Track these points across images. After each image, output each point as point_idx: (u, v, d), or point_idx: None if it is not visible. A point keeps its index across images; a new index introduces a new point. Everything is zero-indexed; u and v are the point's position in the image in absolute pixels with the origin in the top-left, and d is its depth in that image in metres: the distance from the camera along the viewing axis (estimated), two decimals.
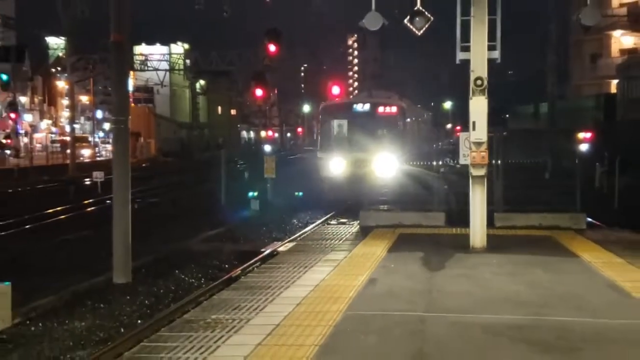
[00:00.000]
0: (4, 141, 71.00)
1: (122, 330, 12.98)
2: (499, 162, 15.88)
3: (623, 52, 55.34)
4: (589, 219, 15.54)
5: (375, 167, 25.88)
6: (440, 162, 27.38)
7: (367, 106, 29.54)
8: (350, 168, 27.34)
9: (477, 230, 12.40)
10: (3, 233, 24.54)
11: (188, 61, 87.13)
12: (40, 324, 13.39)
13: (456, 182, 17.41)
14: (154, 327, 11.91)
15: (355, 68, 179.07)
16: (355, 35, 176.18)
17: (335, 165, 27.95)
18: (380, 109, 29.14)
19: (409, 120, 31.87)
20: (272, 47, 31.76)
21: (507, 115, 63.43)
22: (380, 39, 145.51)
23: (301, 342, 6.84)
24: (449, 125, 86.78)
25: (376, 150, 26.78)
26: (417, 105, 49.02)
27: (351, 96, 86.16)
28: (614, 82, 46.56)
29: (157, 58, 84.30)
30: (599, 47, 58.82)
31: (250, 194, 27.43)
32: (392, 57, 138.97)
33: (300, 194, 30.62)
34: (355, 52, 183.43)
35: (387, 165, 26.18)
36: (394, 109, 29.36)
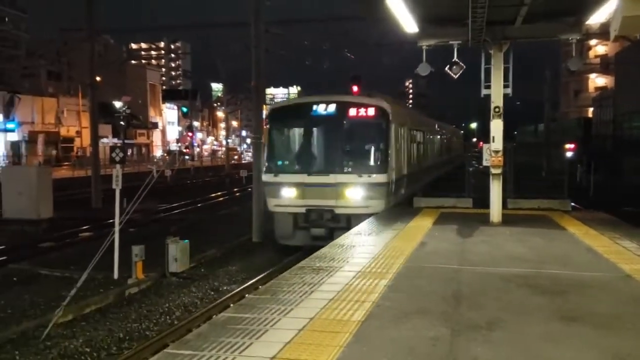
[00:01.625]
0: (184, 150, 73.24)
1: (259, 271, 13.23)
2: (511, 164, 15.49)
3: (597, 88, 53.92)
4: (573, 204, 14.96)
5: (344, 196, 13.65)
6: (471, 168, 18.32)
7: (332, 108, 14.15)
8: (308, 198, 13.82)
9: (495, 210, 12.07)
10: (184, 209, 25.38)
11: None
12: (207, 267, 13.78)
13: (480, 178, 16.54)
14: (278, 270, 12.08)
15: (411, 102, 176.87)
16: (411, 80, 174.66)
17: (287, 194, 13.97)
18: (352, 112, 14.07)
19: (398, 128, 15.14)
20: (354, 88, 31.70)
21: (516, 132, 61.47)
22: (428, 80, 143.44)
23: (375, 284, 6.81)
24: (474, 139, 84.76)
25: (346, 170, 13.83)
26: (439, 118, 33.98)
27: None
28: (590, 109, 44.95)
29: (280, 96, 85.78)
30: (580, 85, 58.04)
31: None
32: (435, 92, 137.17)
33: None
34: (411, 90, 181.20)
35: (360, 192, 13.65)
36: (370, 112, 14.08)
